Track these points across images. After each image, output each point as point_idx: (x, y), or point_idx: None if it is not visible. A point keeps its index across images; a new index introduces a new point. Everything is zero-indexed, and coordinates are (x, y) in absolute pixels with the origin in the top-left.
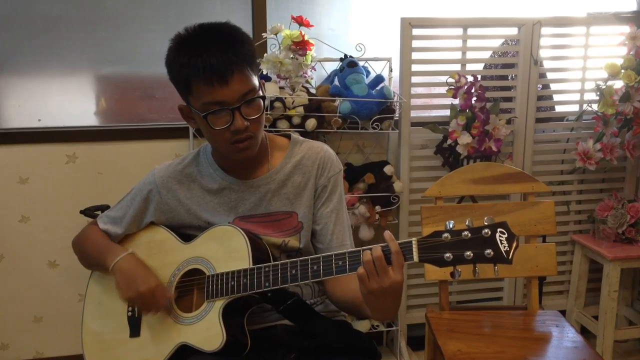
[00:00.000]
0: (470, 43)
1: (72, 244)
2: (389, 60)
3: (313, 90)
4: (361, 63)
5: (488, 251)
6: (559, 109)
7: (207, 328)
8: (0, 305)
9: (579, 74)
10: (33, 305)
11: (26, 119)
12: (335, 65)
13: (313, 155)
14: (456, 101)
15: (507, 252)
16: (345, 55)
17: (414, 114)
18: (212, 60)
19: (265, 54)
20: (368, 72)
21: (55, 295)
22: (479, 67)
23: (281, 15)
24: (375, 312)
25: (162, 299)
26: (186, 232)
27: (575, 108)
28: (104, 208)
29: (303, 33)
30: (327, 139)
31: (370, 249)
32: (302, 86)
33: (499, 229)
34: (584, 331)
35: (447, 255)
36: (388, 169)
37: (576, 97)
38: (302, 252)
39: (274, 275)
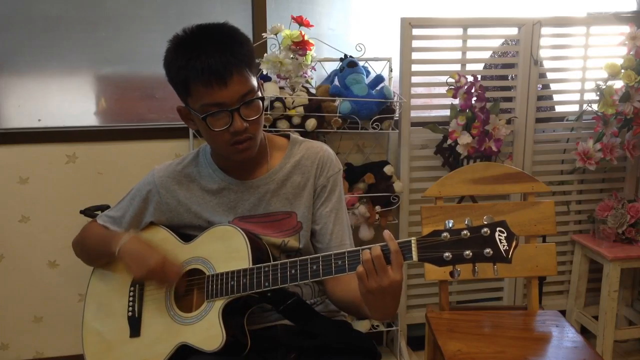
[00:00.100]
0: (470, 43)
1: (73, 243)
2: (389, 60)
3: (313, 90)
4: (361, 63)
5: (487, 250)
6: (559, 109)
7: (207, 328)
8: (0, 305)
9: (579, 74)
10: (33, 305)
11: (26, 119)
12: (335, 65)
13: (312, 155)
14: (456, 101)
15: (507, 251)
16: (345, 55)
17: (414, 114)
18: (211, 61)
19: (265, 54)
20: (368, 72)
21: (55, 295)
22: (479, 67)
23: (281, 15)
24: (374, 312)
25: (173, 271)
26: (186, 232)
27: (575, 108)
28: (104, 208)
29: (303, 33)
30: (327, 139)
31: (370, 248)
32: (302, 86)
33: (498, 228)
34: (584, 331)
35: (447, 254)
36: (388, 169)
37: (576, 97)
38: (302, 252)
39: (273, 275)
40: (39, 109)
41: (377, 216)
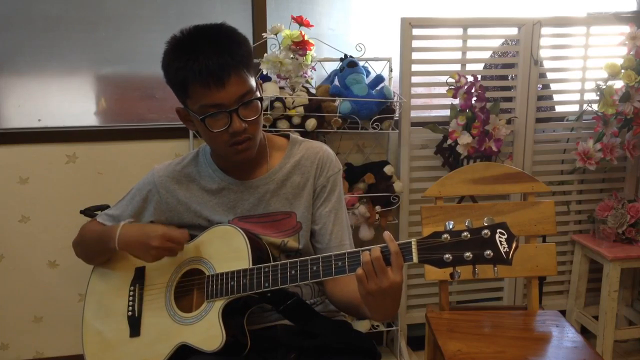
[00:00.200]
0: (470, 43)
1: (73, 244)
2: (389, 60)
3: (313, 90)
4: (361, 63)
5: (488, 252)
6: (559, 109)
7: (207, 328)
8: (0, 305)
9: (579, 74)
10: (33, 305)
11: (26, 119)
12: (335, 65)
13: (312, 155)
14: (456, 101)
15: (507, 253)
16: (345, 55)
17: (414, 114)
18: (208, 62)
19: (265, 54)
20: (368, 72)
21: (55, 295)
22: (479, 67)
23: (281, 15)
24: (374, 313)
25: (178, 237)
26: None
27: (575, 108)
28: (104, 208)
29: (303, 33)
30: (327, 139)
31: (369, 250)
32: (302, 86)
33: (498, 230)
34: (584, 331)
35: (447, 256)
36: (388, 169)
37: (576, 97)
38: (302, 252)
39: (273, 276)
40: (39, 109)
41: (377, 216)
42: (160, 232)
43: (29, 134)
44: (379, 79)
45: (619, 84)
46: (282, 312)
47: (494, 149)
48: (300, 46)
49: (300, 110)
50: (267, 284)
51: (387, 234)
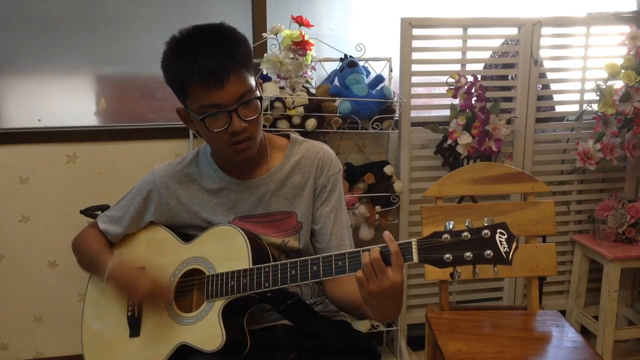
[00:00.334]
0: (470, 43)
1: (72, 246)
2: (389, 60)
3: (313, 90)
4: (361, 63)
5: (488, 252)
6: (559, 109)
7: (207, 328)
8: (0, 305)
9: (579, 74)
10: (33, 305)
11: (26, 119)
12: (335, 65)
13: (312, 155)
14: (456, 101)
15: (507, 253)
16: (345, 55)
17: (414, 114)
18: (208, 62)
19: (265, 54)
20: (368, 72)
21: (55, 295)
22: (479, 67)
23: (281, 15)
24: (377, 314)
25: (161, 295)
26: (186, 232)
27: (575, 108)
28: (104, 208)
29: (303, 33)
30: (327, 139)
31: (369, 251)
32: (302, 86)
33: (498, 230)
34: (584, 331)
35: (447, 256)
36: (388, 169)
37: (576, 97)
38: (302, 252)
39: (273, 276)
40: (39, 109)
41: (377, 216)
42: (148, 287)
43: (29, 134)
44: (379, 79)
45: (619, 84)
46: (282, 312)
47: (494, 149)
48: (300, 46)
49: (300, 110)
50: (267, 284)
51: (387, 234)
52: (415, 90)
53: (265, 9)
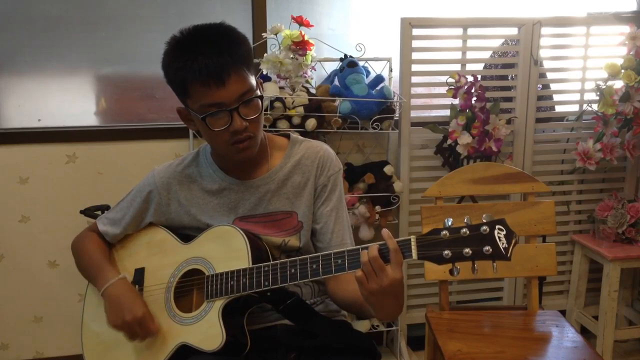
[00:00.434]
0: (470, 43)
1: (72, 248)
2: (389, 60)
3: (313, 90)
4: (361, 63)
5: (486, 248)
6: (559, 109)
7: (206, 328)
8: (0, 305)
9: (579, 74)
10: (33, 305)
11: (26, 119)
12: (335, 65)
13: (312, 155)
14: (456, 101)
15: (506, 249)
16: (345, 55)
17: (414, 114)
18: (208, 62)
19: (265, 54)
20: (368, 72)
21: (55, 295)
22: (479, 67)
23: (281, 15)
24: (378, 312)
25: (147, 329)
26: (186, 233)
27: (575, 108)
28: (104, 208)
29: (303, 33)
30: (327, 139)
31: (367, 249)
32: (302, 86)
33: (497, 226)
34: (584, 331)
35: (446, 252)
36: (388, 169)
37: (576, 97)
38: (302, 251)
39: (273, 275)
40: (39, 109)
41: (377, 216)
42: (138, 315)
43: (29, 134)
44: (379, 79)
45: (619, 84)
46: (282, 311)
47: (494, 149)
48: (300, 46)
49: (300, 110)
50: (266, 283)
51: (385, 232)
52: (415, 90)
53: (265, 9)
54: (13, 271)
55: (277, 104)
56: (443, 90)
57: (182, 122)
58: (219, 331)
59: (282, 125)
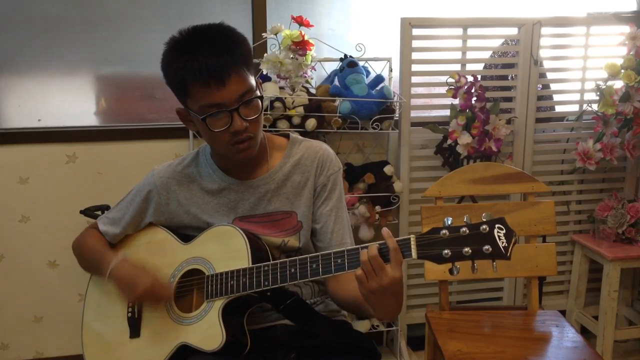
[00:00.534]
0: (470, 43)
1: (72, 247)
2: (389, 60)
3: (313, 90)
4: (361, 63)
5: (486, 247)
6: (559, 109)
7: (207, 328)
8: (0, 305)
9: (579, 74)
10: (33, 305)
11: (26, 119)
12: (335, 65)
13: (312, 155)
14: (456, 101)
15: (506, 248)
16: (345, 55)
17: (414, 114)
18: (208, 62)
19: (265, 54)
20: (368, 72)
21: (55, 295)
22: (479, 67)
23: (281, 15)
24: (378, 312)
25: (161, 295)
26: (185, 233)
27: (575, 108)
28: (104, 208)
29: (303, 33)
30: (327, 139)
31: (367, 248)
32: (302, 86)
33: (497, 225)
34: (584, 331)
35: (446, 251)
36: (388, 169)
37: (576, 97)
38: (302, 251)
39: (273, 274)
40: (39, 109)
41: (377, 216)
42: (148, 283)
43: (29, 134)
44: (379, 79)
45: (619, 84)
46: (282, 311)
47: (494, 149)
48: (300, 46)
49: (300, 110)
50: (266, 283)
51: (385, 231)
52: (415, 90)
53: (265, 9)
54: (13, 271)
55: (277, 104)
56: (443, 90)
57: (182, 123)
58: (219, 331)
59: (282, 125)
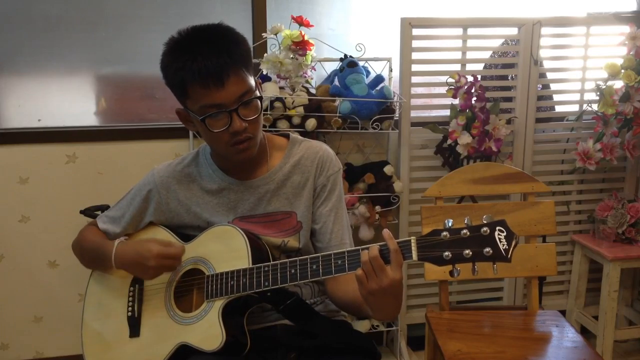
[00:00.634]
0: (470, 43)
1: (73, 246)
2: (389, 60)
3: (313, 90)
4: (361, 63)
5: (487, 249)
6: (559, 109)
7: (206, 328)
8: (0, 305)
9: (579, 74)
10: (33, 305)
11: (26, 119)
12: (335, 65)
13: (312, 155)
14: (456, 101)
15: (506, 251)
16: (345, 55)
17: (414, 114)
18: (207, 63)
19: (265, 54)
20: (368, 72)
21: (55, 295)
22: (479, 67)
23: (281, 15)
24: (377, 312)
25: (172, 255)
26: (186, 232)
27: (575, 108)
28: (104, 208)
29: (303, 33)
30: (327, 139)
31: (368, 249)
32: (302, 86)
33: (497, 227)
34: (584, 331)
35: (446, 253)
36: (388, 169)
37: (576, 97)
38: (302, 252)
39: (273, 275)
40: (39, 109)
41: (377, 216)
42: (155, 251)
43: (29, 134)
44: (379, 79)
45: (619, 84)
46: (282, 311)
47: (494, 149)
48: (300, 46)
49: (300, 110)
50: (266, 283)
51: (386, 232)
52: (415, 90)
53: (265, 9)
54: (13, 271)
55: (277, 104)
56: (443, 90)
57: (182, 123)
58: (219, 331)
59: (282, 125)
